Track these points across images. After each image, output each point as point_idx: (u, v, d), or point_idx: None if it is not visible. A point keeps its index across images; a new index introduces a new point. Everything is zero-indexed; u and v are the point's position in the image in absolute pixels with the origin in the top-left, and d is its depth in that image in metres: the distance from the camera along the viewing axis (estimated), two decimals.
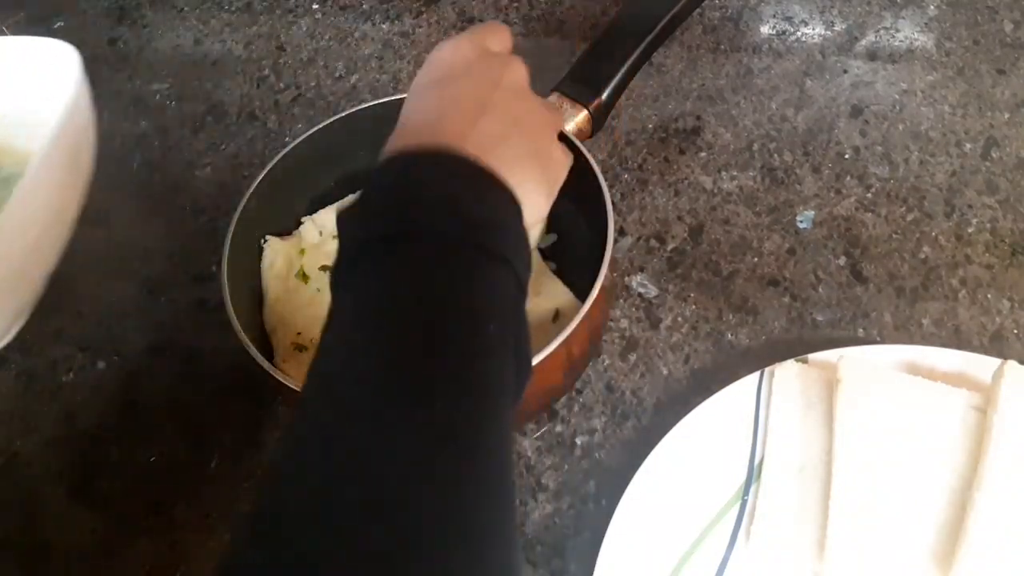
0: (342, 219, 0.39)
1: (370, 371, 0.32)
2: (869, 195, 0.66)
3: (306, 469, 0.30)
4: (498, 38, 0.48)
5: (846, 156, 0.68)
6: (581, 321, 0.50)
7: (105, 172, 0.77)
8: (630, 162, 0.70)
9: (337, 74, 0.81)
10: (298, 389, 0.49)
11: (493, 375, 0.34)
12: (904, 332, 0.59)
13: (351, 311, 0.36)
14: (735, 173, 0.68)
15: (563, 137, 0.58)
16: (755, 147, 0.70)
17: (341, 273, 0.37)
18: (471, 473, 0.31)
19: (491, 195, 0.39)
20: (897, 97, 0.71)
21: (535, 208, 0.42)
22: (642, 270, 0.64)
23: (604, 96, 0.62)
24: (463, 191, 0.38)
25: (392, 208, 0.37)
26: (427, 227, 0.36)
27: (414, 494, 0.29)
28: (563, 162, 0.46)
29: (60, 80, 0.58)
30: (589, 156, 0.57)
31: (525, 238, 0.40)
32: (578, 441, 0.57)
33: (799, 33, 0.77)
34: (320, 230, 0.63)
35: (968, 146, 0.68)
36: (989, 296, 0.60)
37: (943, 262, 0.62)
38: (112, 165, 0.77)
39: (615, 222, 0.58)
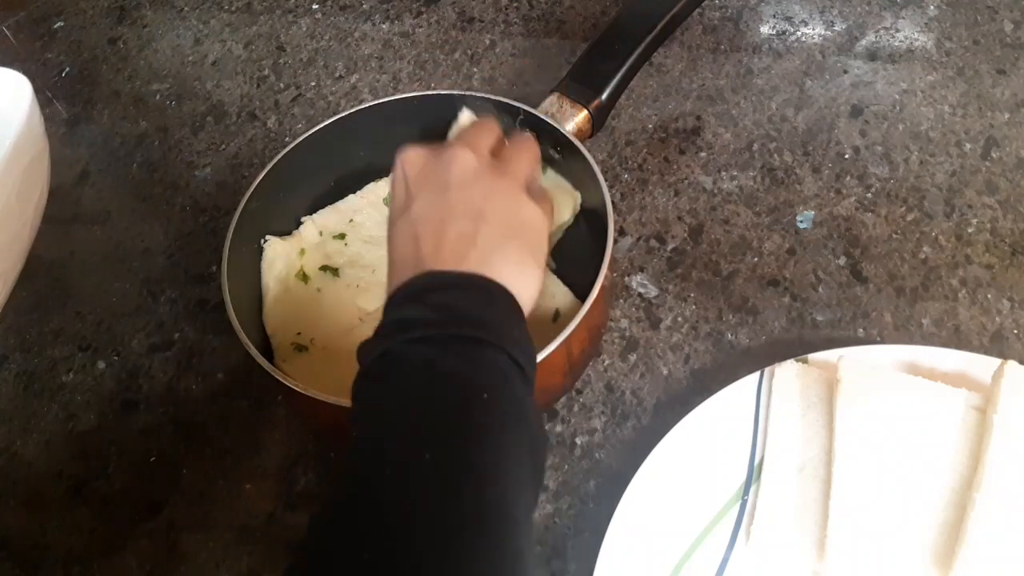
0: (359, 349, 0.42)
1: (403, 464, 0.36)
2: (869, 195, 0.66)
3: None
4: (483, 133, 0.51)
5: (846, 156, 0.68)
6: (581, 321, 0.50)
7: (105, 172, 0.78)
8: (630, 162, 0.70)
9: (337, 74, 0.81)
10: (298, 389, 0.49)
11: (494, 435, 0.38)
12: (904, 332, 0.59)
13: (369, 412, 0.40)
14: (735, 173, 0.68)
15: (562, 137, 0.59)
16: (755, 147, 0.70)
17: (357, 386, 0.41)
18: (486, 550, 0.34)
19: (475, 295, 0.42)
20: (897, 97, 0.72)
21: (527, 283, 0.44)
22: (642, 270, 0.64)
23: (604, 96, 0.62)
24: (450, 300, 0.41)
25: (392, 332, 0.41)
26: (424, 336, 0.40)
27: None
28: (540, 221, 0.47)
29: (11, 111, 0.58)
30: (589, 156, 0.57)
31: (515, 320, 0.43)
32: (578, 441, 0.57)
33: (799, 33, 0.77)
34: (320, 230, 0.63)
35: (968, 146, 0.68)
36: (989, 296, 0.60)
37: (943, 262, 0.62)
38: (112, 165, 0.78)
39: (615, 222, 0.59)
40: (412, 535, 0.33)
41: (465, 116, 0.64)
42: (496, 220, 0.45)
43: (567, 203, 0.61)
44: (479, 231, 0.44)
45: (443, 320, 0.40)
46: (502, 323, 0.41)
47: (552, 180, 0.63)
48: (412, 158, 0.48)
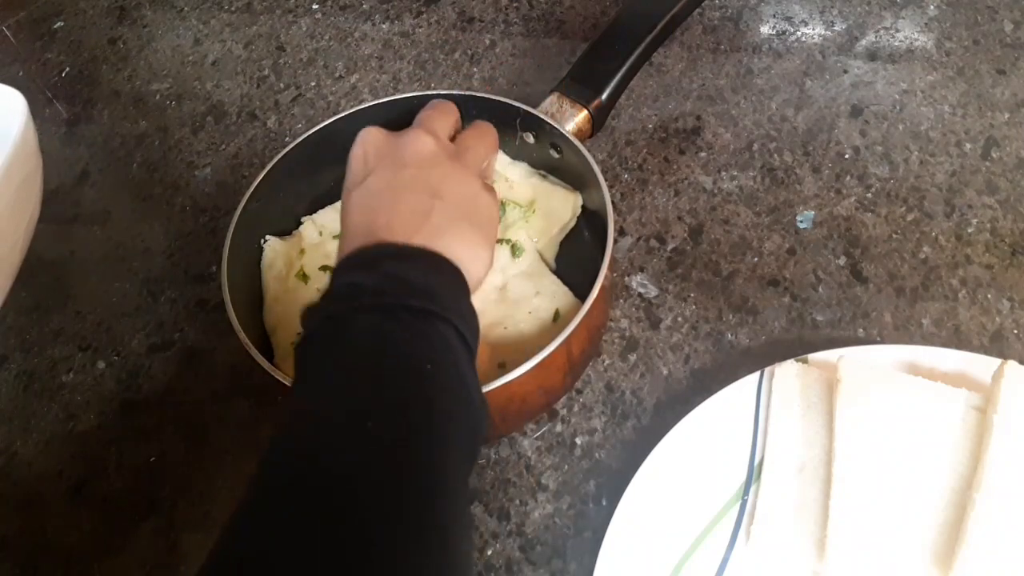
0: (304, 313, 0.43)
1: (340, 420, 0.36)
2: (869, 195, 0.66)
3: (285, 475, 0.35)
4: (440, 114, 0.52)
5: (846, 156, 0.68)
6: (581, 321, 0.50)
7: (105, 172, 0.78)
8: (630, 162, 0.70)
9: (337, 74, 0.81)
10: None
11: (435, 405, 0.38)
12: (904, 332, 0.59)
13: (311, 375, 0.40)
14: (735, 173, 0.68)
15: (562, 137, 0.59)
16: (755, 147, 0.70)
17: (301, 348, 0.41)
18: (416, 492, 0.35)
19: (425, 267, 0.43)
20: (897, 97, 0.72)
21: (476, 262, 0.46)
22: (642, 270, 0.64)
23: (604, 96, 0.62)
24: (400, 270, 0.42)
25: (340, 297, 0.41)
26: (367, 301, 0.40)
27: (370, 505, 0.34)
28: (492, 207, 0.49)
29: (5, 128, 0.57)
30: (589, 156, 0.57)
31: (463, 295, 0.44)
32: (578, 441, 0.57)
33: (799, 33, 0.77)
34: (320, 230, 0.63)
35: (968, 146, 0.68)
36: (989, 296, 0.60)
37: (943, 262, 0.62)
38: (112, 165, 0.78)
39: (615, 222, 0.58)
40: (355, 505, 0.33)
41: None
42: (450, 200, 0.46)
43: (568, 205, 0.61)
44: (433, 208, 0.45)
45: (392, 288, 0.40)
46: (450, 296, 0.42)
47: (553, 183, 0.63)
48: (372, 136, 0.50)
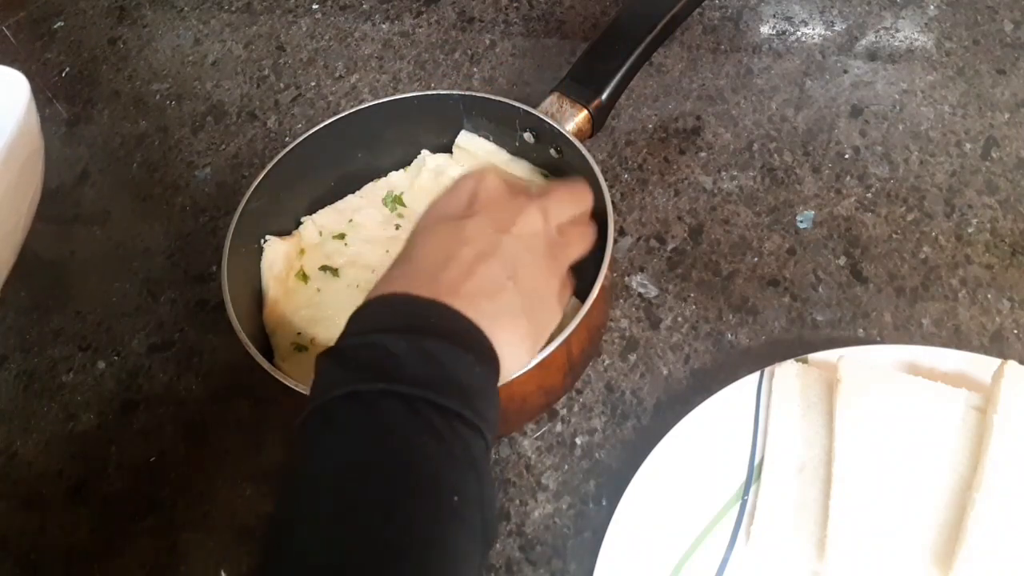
0: (322, 363, 0.39)
1: (339, 533, 0.33)
2: (869, 195, 0.66)
3: None
4: (569, 203, 0.49)
5: (846, 156, 0.68)
6: (581, 321, 0.50)
7: (105, 172, 0.78)
8: (630, 162, 0.70)
9: (337, 74, 0.81)
10: (298, 389, 0.49)
11: (456, 547, 0.35)
12: (904, 332, 0.59)
13: (319, 462, 0.36)
14: (735, 173, 0.68)
15: (562, 137, 0.59)
16: (755, 147, 0.70)
17: (314, 421, 0.37)
18: None
19: (468, 356, 0.39)
20: (897, 97, 0.72)
21: (514, 361, 0.43)
22: (642, 270, 0.64)
23: (604, 96, 0.62)
24: (444, 352, 0.38)
25: (370, 366, 0.37)
26: (400, 388, 0.36)
27: None
28: (555, 318, 0.46)
29: (8, 108, 0.58)
30: (589, 156, 0.57)
31: (495, 398, 0.40)
32: (578, 441, 0.57)
33: (799, 33, 0.77)
34: (320, 230, 0.63)
35: (968, 146, 0.68)
36: (989, 296, 0.60)
37: (943, 262, 0.62)
38: (112, 165, 0.78)
39: (615, 222, 0.58)
40: None
41: (463, 138, 0.65)
42: (524, 289, 0.43)
43: None
44: (505, 288, 0.42)
45: (429, 378, 0.37)
46: (486, 399, 0.39)
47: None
48: (492, 182, 0.46)
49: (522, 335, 0.43)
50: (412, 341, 0.38)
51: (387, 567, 0.32)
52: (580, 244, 0.49)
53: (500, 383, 0.41)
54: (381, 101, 0.63)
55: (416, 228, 0.46)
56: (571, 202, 0.49)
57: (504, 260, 0.43)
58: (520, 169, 0.64)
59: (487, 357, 0.40)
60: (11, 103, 0.58)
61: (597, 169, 0.56)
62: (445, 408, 0.36)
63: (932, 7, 0.78)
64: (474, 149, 0.64)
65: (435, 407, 0.36)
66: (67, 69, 0.86)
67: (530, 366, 0.46)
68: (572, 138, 0.58)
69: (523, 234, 0.44)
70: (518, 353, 0.43)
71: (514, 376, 0.44)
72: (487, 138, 0.64)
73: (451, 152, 0.65)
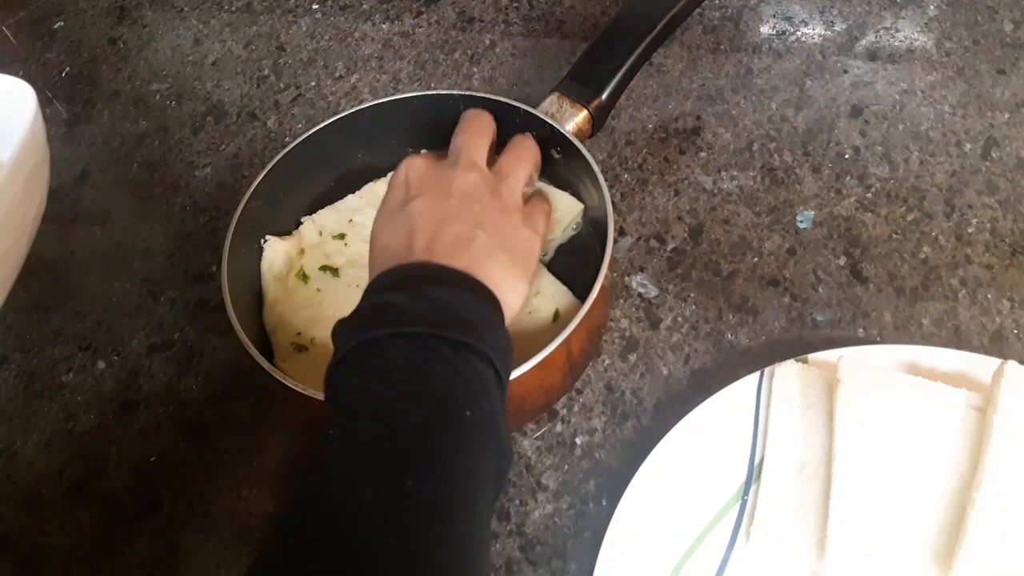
0: (337, 329, 0.42)
1: (375, 472, 0.36)
2: (869, 195, 0.66)
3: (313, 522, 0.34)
4: (475, 131, 0.54)
5: (846, 156, 0.68)
6: (581, 321, 0.50)
7: (105, 172, 0.78)
8: (630, 162, 0.70)
9: (337, 74, 0.81)
10: (298, 389, 0.49)
11: (471, 457, 0.38)
12: (904, 332, 0.59)
13: (341, 400, 0.40)
14: (735, 173, 0.68)
15: (562, 137, 0.59)
16: (755, 147, 0.70)
17: (337, 370, 0.41)
18: (443, 532, 0.35)
19: (465, 294, 0.42)
20: (897, 97, 0.72)
21: (514, 294, 0.46)
22: (642, 270, 0.64)
23: (604, 96, 0.62)
24: (441, 294, 0.42)
25: (378, 317, 0.41)
26: (406, 330, 0.40)
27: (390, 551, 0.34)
28: (533, 242, 0.50)
29: (14, 118, 0.57)
30: (589, 156, 0.57)
31: (501, 328, 0.43)
32: (578, 441, 0.57)
33: (799, 33, 0.77)
34: (320, 230, 0.63)
35: (968, 146, 0.68)
36: (989, 296, 0.60)
37: (943, 262, 0.62)
38: (112, 165, 0.78)
39: (615, 222, 0.58)
40: (380, 558, 0.33)
41: None
42: (492, 232, 0.46)
43: (567, 213, 0.61)
44: (475, 237, 0.45)
45: (433, 316, 0.40)
46: (489, 329, 0.42)
47: (557, 190, 0.62)
48: (417, 163, 0.50)
49: (510, 269, 0.46)
50: (411, 291, 0.41)
51: (406, 472, 0.35)
52: (518, 167, 0.53)
53: (510, 316, 0.45)
54: (381, 101, 0.63)
55: (372, 231, 0.49)
56: (481, 137, 0.53)
57: (461, 217, 0.46)
58: None
59: (484, 294, 0.43)
60: (18, 114, 0.57)
61: (597, 169, 0.56)
62: (451, 340, 0.39)
63: (932, 7, 0.78)
64: None
65: (442, 340, 0.39)
66: (67, 69, 0.86)
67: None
68: (572, 138, 0.58)
69: (467, 192, 0.48)
70: (513, 284, 0.46)
71: (517, 307, 0.47)
72: None
73: None
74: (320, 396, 0.49)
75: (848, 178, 0.67)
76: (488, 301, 0.43)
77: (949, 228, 0.64)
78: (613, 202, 0.58)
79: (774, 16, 0.79)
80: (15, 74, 0.61)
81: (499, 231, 0.47)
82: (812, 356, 0.55)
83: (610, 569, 0.49)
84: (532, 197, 0.55)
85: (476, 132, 0.54)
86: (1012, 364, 0.50)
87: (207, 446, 0.59)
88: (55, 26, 0.90)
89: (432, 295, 0.41)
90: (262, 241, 0.61)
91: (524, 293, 0.47)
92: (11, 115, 0.57)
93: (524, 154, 0.54)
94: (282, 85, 0.81)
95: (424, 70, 0.80)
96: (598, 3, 0.83)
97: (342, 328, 0.42)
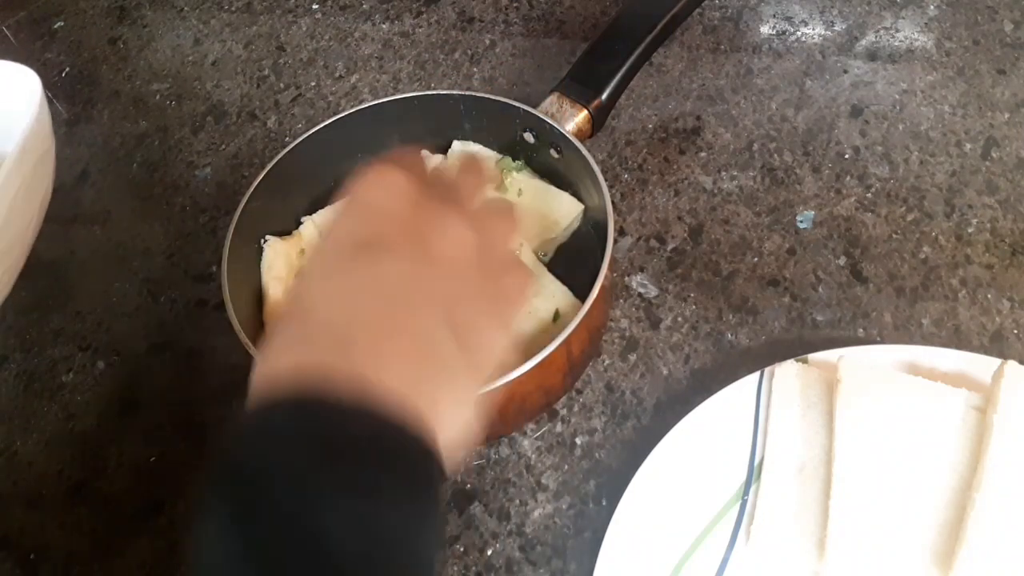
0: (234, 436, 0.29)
1: None
2: (869, 195, 0.66)
3: None
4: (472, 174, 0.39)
5: (846, 156, 0.68)
6: (581, 321, 0.50)
7: (105, 172, 0.78)
8: (630, 162, 0.70)
9: (337, 74, 0.81)
10: None
11: None
12: (904, 332, 0.59)
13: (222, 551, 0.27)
14: (735, 173, 0.68)
15: (562, 137, 0.59)
16: (755, 147, 0.70)
17: (217, 486, 0.28)
18: None
19: (403, 490, 0.29)
20: (897, 97, 0.72)
21: (452, 426, 0.32)
22: (642, 270, 0.64)
23: (604, 96, 0.62)
24: (365, 507, 0.28)
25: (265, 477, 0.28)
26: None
27: None
28: (507, 344, 0.35)
29: (20, 106, 0.57)
30: (589, 156, 0.57)
31: (424, 466, 0.30)
32: (578, 441, 0.57)
33: (799, 33, 0.77)
34: (320, 230, 0.63)
35: (968, 146, 0.68)
36: (989, 296, 0.60)
37: (943, 262, 0.62)
38: (112, 165, 0.78)
39: (615, 222, 0.58)
40: None
41: (457, 147, 0.65)
42: (467, 331, 0.33)
43: (566, 214, 0.61)
44: (440, 341, 0.32)
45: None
46: (420, 531, 0.29)
47: (557, 191, 0.62)
48: (400, 190, 0.34)
49: (463, 393, 0.33)
50: (325, 466, 0.28)
51: None
52: (506, 233, 0.38)
53: (445, 445, 0.31)
54: (381, 101, 0.63)
55: (309, 267, 0.35)
56: (478, 184, 0.39)
57: (435, 306, 0.32)
58: (524, 171, 0.64)
59: (417, 480, 0.30)
60: (23, 100, 0.56)
61: (597, 169, 0.56)
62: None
63: (932, 7, 0.78)
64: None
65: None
66: (67, 69, 0.86)
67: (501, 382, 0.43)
68: (572, 138, 0.58)
69: (455, 262, 0.34)
70: (457, 413, 0.33)
71: (454, 437, 0.33)
72: (482, 143, 0.65)
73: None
74: None
75: (848, 178, 0.67)
76: (423, 486, 0.30)
77: (949, 228, 0.64)
78: (613, 202, 0.58)
79: (774, 16, 0.79)
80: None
81: (476, 333, 0.33)
82: (812, 356, 0.55)
83: (610, 569, 0.49)
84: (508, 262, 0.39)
85: (475, 177, 0.39)
86: (1012, 364, 0.50)
87: (207, 446, 0.59)
88: (55, 26, 0.90)
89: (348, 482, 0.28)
90: (262, 241, 0.61)
91: (469, 423, 0.33)
92: (16, 103, 0.56)
93: (503, 216, 0.39)
94: (282, 85, 0.81)
95: (424, 70, 0.80)
96: (598, 3, 0.83)
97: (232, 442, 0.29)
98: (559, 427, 0.57)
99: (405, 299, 0.32)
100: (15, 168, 0.54)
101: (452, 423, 0.32)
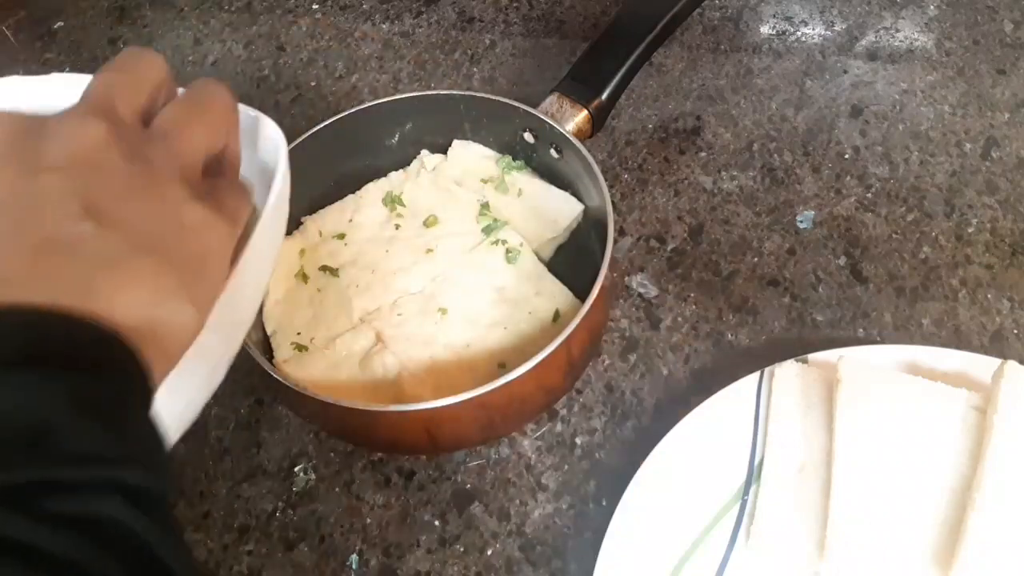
0: None
1: None
2: (869, 195, 0.66)
3: None
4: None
5: (846, 156, 0.68)
6: (581, 321, 0.50)
7: None
8: (630, 162, 0.70)
9: (337, 74, 0.81)
10: (298, 389, 0.49)
11: None
12: (904, 332, 0.59)
13: None
14: (735, 173, 0.68)
15: (562, 137, 0.59)
16: (755, 147, 0.70)
17: None
18: None
19: (56, 380, 0.26)
20: (897, 97, 0.72)
21: (170, 323, 0.29)
22: (642, 270, 0.64)
23: (604, 96, 0.62)
24: (13, 396, 0.25)
25: None
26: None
27: None
28: (209, 231, 0.32)
29: (270, 160, 0.44)
30: (589, 156, 0.57)
31: (129, 406, 0.28)
32: (578, 441, 0.57)
33: (799, 33, 0.77)
34: (320, 230, 0.63)
35: (968, 146, 0.68)
36: (989, 296, 0.60)
37: (943, 262, 0.62)
38: None
39: (615, 222, 0.58)
40: None
41: (457, 147, 0.65)
42: (120, 220, 0.29)
43: (566, 214, 0.61)
44: (83, 237, 0.28)
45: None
46: (108, 426, 0.26)
47: (555, 190, 0.62)
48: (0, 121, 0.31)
49: (153, 283, 0.29)
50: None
51: None
52: (192, 124, 0.35)
53: (174, 357, 0.30)
54: (381, 101, 0.63)
55: None
56: (134, 78, 0.35)
57: (65, 201, 0.28)
58: (524, 171, 0.64)
59: (100, 357, 0.27)
60: (272, 157, 0.43)
61: (597, 169, 0.56)
62: (31, 488, 0.23)
63: (932, 7, 0.78)
64: (467, 154, 0.64)
65: (18, 493, 0.23)
66: (67, 69, 0.86)
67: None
68: (572, 138, 0.58)
69: (76, 157, 0.30)
70: (167, 305, 0.29)
71: (184, 339, 0.31)
72: (482, 143, 0.65)
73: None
74: (320, 396, 0.49)
75: (848, 178, 0.67)
76: (108, 367, 0.27)
77: (949, 228, 0.64)
78: (613, 202, 0.58)
79: (774, 16, 0.79)
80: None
81: (138, 216, 0.30)
82: (812, 356, 0.55)
83: (610, 569, 0.49)
84: (229, 178, 0.37)
85: (127, 69, 0.35)
86: (1012, 364, 0.50)
87: (207, 446, 0.59)
88: (55, 26, 0.90)
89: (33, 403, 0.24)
90: None
91: (191, 318, 0.30)
92: (267, 158, 0.44)
93: (201, 103, 0.36)
94: (282, 85, 0.81)
95: (424, 70, 0.80)
96: (598, 3, 0.83)
97: None
98: (559, 427, 0.57)
99: (17, 215, 0.28)
100: (270, 231, 0.40)
101: (156, 318, 0.29)
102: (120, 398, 0.27)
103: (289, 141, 0.60)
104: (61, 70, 0.86)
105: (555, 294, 0.57)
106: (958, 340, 0.58)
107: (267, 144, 0.44)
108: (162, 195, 0.31)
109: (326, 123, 0.61)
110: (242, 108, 0.42)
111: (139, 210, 0.30)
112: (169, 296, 0.29)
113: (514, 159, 0.64)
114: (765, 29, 0.78)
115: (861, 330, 0.60)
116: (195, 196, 0.32)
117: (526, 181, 0.63)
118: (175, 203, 0.31)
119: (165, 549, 0.26)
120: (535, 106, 0.61)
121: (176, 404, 0.35)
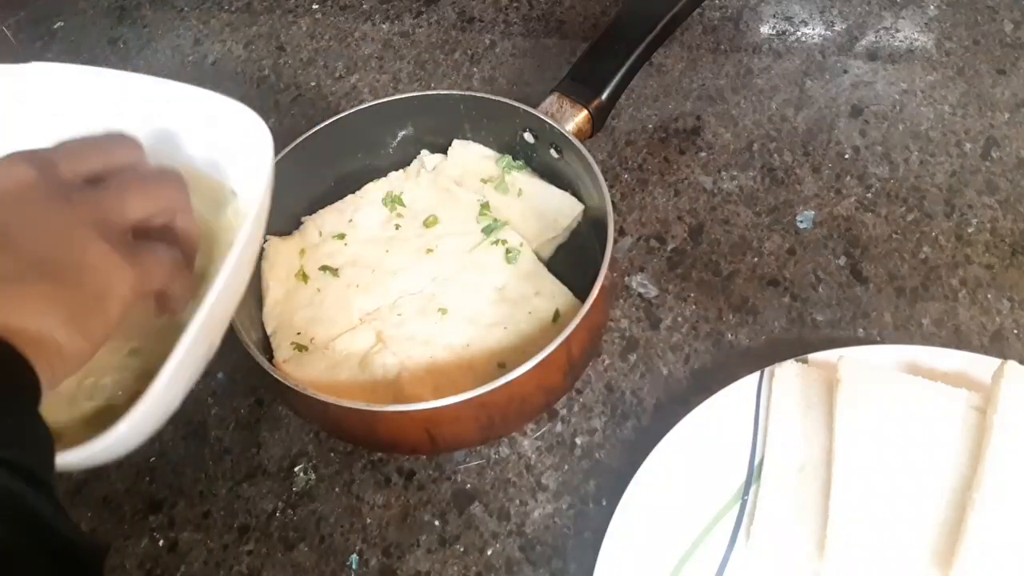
0: None
1: None
2: (869, 195, 0.66)
3: None
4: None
5: (846, 156, 0.68)
6: (581, 321, 0.50)
7: None
8: (630, 162, 0.70)
9: (337, 74, 0.81)
10: (298, 389, 0.49)
11: None
12: (904, 332, 0.59)
13: None
14: (735, 173, 0.68)
15: (562, 137, 0.59)
16: (755, 147, 0.70)
17: None
18: None
19: None
20: (897, 97, 0.72)
21: (57, 349, 0.32)
22: (642, 270, 0.64)
23: (604, 96, 0.62)
24: None
25: None
26: None
27: None
28: (112, 273, 0.35)
29: (256, 162, 0.47)
30: (589, 156, 0.57)
31: (17, 408, 0.30)
32: (578, 441, 0.57)
33: (799, 33, 0.77)
34: (320, 230, 0.63)
35: (968, 146, 0.68)
36: (989, 296, 0.60)
37: (943, 262, 0.62)
38: None
39: (615, 222, 0.58)
40: None
41: (457, 146, 0.65)
42: (25, 248, 0.33)
43: (566, 213, 0.61)
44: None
45: None
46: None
47: (555, 190, 0.62)
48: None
49: (43, 307, 0.32)
50: None
51: None
52: (131, 190, 0.38)
53: (64, 374, 0.32)
54: (381, 101, 0.63)
55: None
56: (97, 150, 0.39)
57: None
58: (525, 170, 0.64)
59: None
60: (257, 159, 0.46)
61: (597, 169, 0.56)
62: None
63: (932, 7, 0.78)
64: (467, 154, 0.64)
65: None
66: None
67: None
68: (572, 138, 0.58)
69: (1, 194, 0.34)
70: (57, 330, 0.32)
71: (69, 365, 0.34)
72: (482, 143, 0.65)
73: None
74: (320, 396, 0.49)
75: (848, 178, 0.67)
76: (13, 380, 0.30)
77: (949, 228, 0.64)
78: (613, 202, 0.58)
79: (774, 16, 0.79)
80: None
81: (43, 246, 0.33)
82: (812, 356, 0.55)
83: (610, 569, 0.49)
84: (167, 244, 0.40)
85: (97, 144, 0.40)
86: (1012, 364, 0.50)
87: (207, 446, 0.59)
88: (55, 26, 0.90)
89: None
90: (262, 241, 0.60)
91: (79, 348, 0.33)
92: (250, 155, 0.46)
93: (155, 181, 0.40)
94: (282, 85, 0.81)
95: (424, 70, 0.80)
96: (598, 3, 0.83)
97: None
98: (559, 427, 0.57)
99: None
100: (254, 230, 0.44)
101: (44, 348, 0.32)
102: (5, 393, 0.30)
103: (289, 141, 0.61)
104: None
105: (555, 294, 0.57)
106: (958, 340, 0.58)
107: (258, 148, 0.47)
108: (71, 234, 0.34)
109: (326, 123, 0.62)
110: (237, 104, 0.48)
111: (45, 242, 0.33)
112: (62, 322, 0.32)
113: (514, 159, 0.64)
114: (765, 29, 0.78)
115: (861, 330, 0.60)
116: (106, 241, 0.35)
117: (526, 181, 0.63)
118: (83, 242, 0.34)
119: (54, 520, 0.28)
120: (535, 106, 0.61)
121: (168, 393, 0.41)
